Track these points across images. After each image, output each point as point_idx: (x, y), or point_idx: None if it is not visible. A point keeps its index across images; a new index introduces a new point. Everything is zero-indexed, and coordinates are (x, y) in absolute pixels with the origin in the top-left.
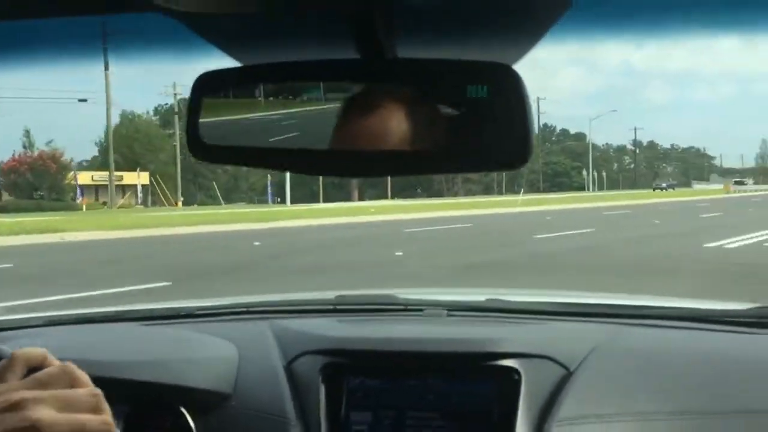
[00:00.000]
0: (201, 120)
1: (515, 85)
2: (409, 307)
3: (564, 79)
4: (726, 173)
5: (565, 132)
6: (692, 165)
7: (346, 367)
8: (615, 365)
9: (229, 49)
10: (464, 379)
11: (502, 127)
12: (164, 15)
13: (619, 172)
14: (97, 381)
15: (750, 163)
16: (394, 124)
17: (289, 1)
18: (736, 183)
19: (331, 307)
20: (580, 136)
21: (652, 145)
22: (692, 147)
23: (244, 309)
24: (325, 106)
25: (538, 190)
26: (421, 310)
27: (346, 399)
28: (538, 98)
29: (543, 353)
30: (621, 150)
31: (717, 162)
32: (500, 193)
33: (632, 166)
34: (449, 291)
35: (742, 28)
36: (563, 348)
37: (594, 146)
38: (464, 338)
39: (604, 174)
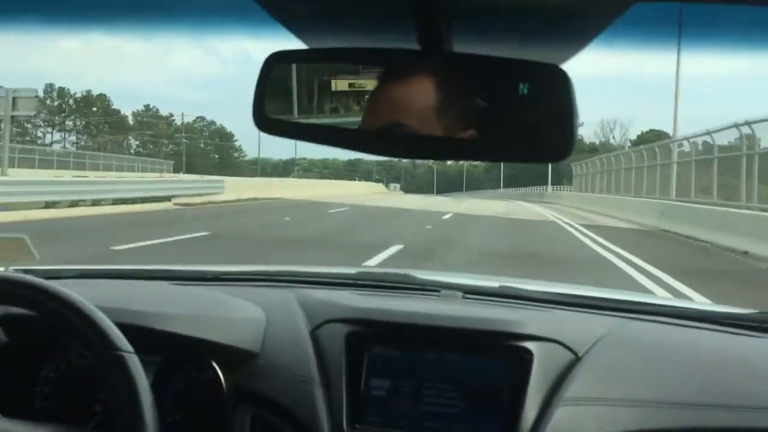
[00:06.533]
0: (267, 96)
1: (564, 84)
2: (426, 287)
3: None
4: None
5: None
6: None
7: (368, 336)
8: (621, 354)
9: (297, 31)
10: (479, 357)
11: (549, 123)
12: None
13: None
14: (130, 330)
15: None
16: (443, 111)
17: None
18: None
19: (351, 281)
20: None
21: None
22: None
23: (268, 276)
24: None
25: None
26: (437, 290)
27: (366, 366)
28: None
29: (553, 337)
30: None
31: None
32: None
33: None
34: (464, 275)
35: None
36: (572, 334)
37: None
38: (480, 318)
39: None
